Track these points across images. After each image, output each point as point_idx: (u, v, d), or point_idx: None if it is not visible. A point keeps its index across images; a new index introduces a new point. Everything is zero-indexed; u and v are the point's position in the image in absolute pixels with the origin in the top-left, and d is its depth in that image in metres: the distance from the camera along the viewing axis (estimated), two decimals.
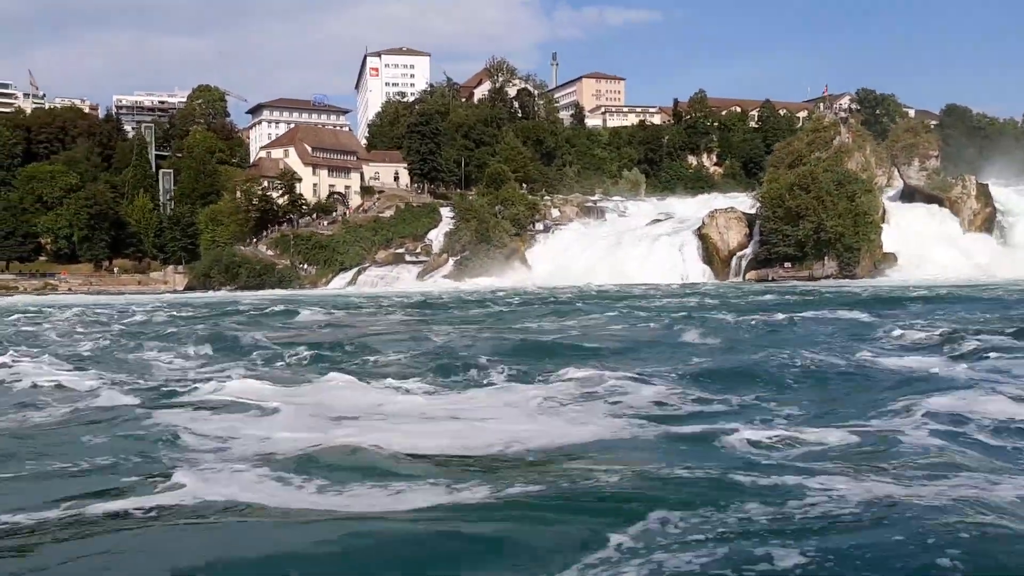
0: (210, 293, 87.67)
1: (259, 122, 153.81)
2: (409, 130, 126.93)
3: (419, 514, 6.09)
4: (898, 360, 14.72)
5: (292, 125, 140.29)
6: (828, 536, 5.32)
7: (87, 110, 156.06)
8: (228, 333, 24.00)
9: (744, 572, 4.86)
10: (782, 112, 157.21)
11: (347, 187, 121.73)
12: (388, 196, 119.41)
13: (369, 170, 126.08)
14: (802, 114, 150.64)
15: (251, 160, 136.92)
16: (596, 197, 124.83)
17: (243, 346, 20.26)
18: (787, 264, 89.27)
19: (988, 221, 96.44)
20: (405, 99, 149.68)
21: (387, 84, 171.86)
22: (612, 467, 7.30)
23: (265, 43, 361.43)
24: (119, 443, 8.91)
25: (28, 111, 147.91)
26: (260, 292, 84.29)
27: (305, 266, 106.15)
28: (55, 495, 6.79)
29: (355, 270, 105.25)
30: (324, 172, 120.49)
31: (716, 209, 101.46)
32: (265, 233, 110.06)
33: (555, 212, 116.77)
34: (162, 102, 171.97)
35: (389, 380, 13.70)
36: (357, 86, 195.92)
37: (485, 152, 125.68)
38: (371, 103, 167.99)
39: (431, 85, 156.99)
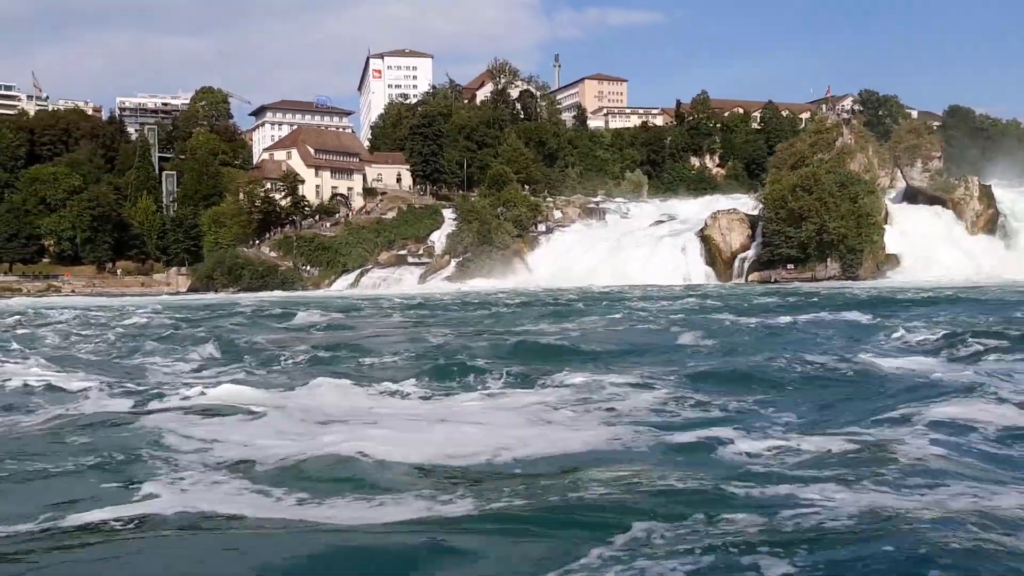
0: (210, 295, 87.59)
1: (262, 124, 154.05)
2: (411, 132, 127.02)
3: (399, 528, 5.98)
4: (899, 364, 14.58)
5: (295, 127, 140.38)
6: (818, 550, 5.20)
7: (90, 112, 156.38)
8: (222, 336, 23.89)
9: None
10: (784, 113, 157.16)
11: (350, 189, 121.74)
12: (390, 198, 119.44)
13: (372, 172, 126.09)
14: (805, 115, 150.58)
15: (254, 162, 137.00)
16: (598, 198, 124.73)
17: (236, 349, 20.16)
18: (790, 266, 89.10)
19: (991, 222, 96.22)
20: (408, 101, 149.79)
21: (390, 86, 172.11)
22: (601, 478, 7.14)
23: (267, 44, 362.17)
24: (101, 450, 8.80)
25: (31, 113, 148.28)
26: (262, 294, 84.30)
27: (308, 268, 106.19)
28: (32, 504, 6.68)
29: (358, 272, 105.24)
30: (327, 174, 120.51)
31: (718, 210, 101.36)
32: (268, 235, 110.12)
33: (557, 213, 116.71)
34: (165, 104, 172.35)
35: (381, 384, 13.55)
36: (360, 88, 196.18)
37: (487, 153, 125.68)
38: (374, 105, 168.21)
39: (433, 87, 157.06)
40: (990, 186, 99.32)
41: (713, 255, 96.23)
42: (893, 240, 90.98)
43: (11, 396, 12.92)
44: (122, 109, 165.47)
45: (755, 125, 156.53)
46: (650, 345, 19.78)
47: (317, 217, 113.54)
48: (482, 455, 8.35)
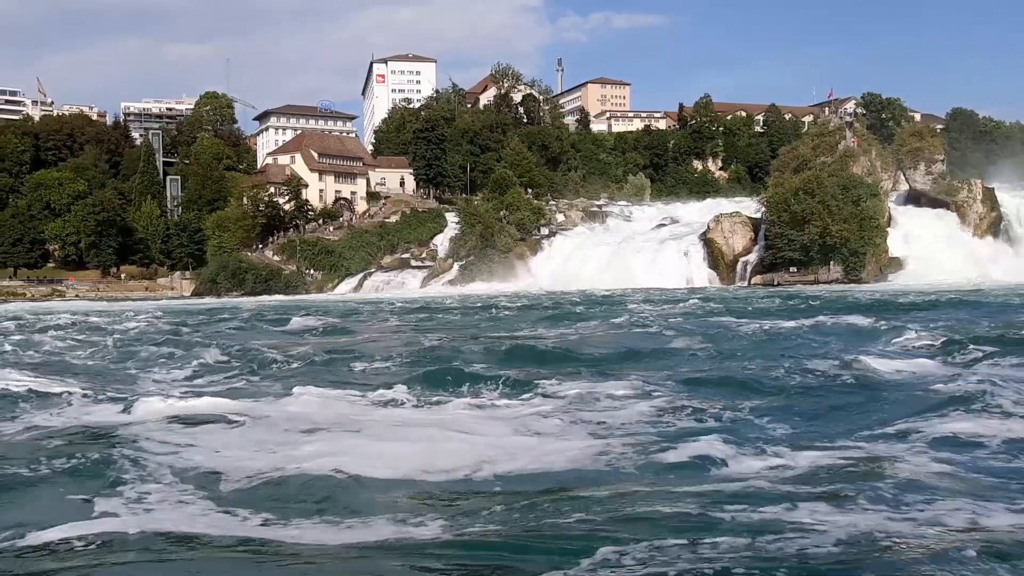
0: (208, 299, 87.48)
1: (266, 128, 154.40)
2: (415, 136, 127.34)
3: (363, 552, 5.74)
4: (899, 372, 14.47)
5: (299, 131, 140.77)
6: None
7: (95, 117, 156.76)
8: (216, 342, 23.64)
9: None
10: (787, 116, 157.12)
11: (353, 193, 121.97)
12: (394, 201, 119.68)
13: (375, 176, 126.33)
14: (807, 118, 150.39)
15: (258, 166, 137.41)
16: (601, 202, 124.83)
17: (228, 355, 19.80)
18: (793, 269, 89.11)
19: (994, 225, 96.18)
20: (411, 105, 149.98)
21: (393, 90, 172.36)
22: (582, 499, 6.85)
23: (271, 49, 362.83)
24: (72, 462, 8.53)
25: (36, 118, 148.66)
26: (264, 298, 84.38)
27: (311, 271, 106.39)
28: None
29: (361, 275, 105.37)
30: (330, 178, 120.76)
31: (721, 214, 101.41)
32: (272, 239, 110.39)
33: (560, 217, 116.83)
34: (170, 109, 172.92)
35: (369, 391, 13.28)
36: (364, 92, 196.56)
37: (490, 157, 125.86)
38: (377, 109, 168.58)
39: (437, 91, 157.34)
40: (993, 189, 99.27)
41: (716, 258, 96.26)
42: (896, 243, 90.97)
43: None
44: (127, 114, 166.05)
45: (758, 128, 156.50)
46: (648, 350, 19.64)
47: (320, 221, 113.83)
48: (462, 470, 8.08)
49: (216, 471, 8.08)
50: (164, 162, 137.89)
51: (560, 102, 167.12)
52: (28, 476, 8.13)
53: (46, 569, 5.57)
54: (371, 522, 6.48)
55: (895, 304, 38.62)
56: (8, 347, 23.15)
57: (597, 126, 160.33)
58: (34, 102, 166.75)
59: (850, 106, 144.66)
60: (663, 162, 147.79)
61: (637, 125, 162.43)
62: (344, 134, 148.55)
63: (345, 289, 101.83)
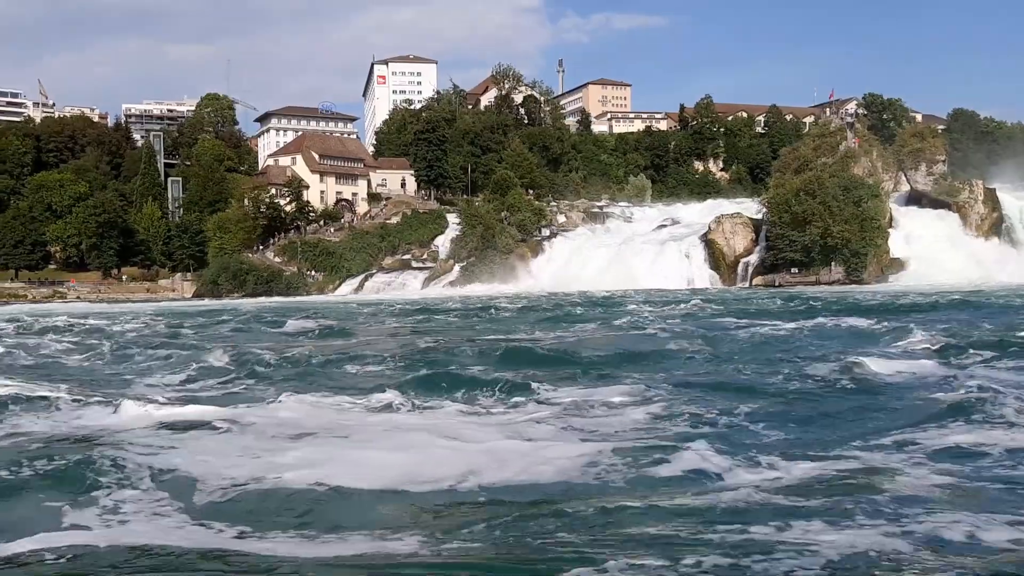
0: (207, 301, 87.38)
1: (267, 130, 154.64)
2: (416, 137, 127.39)
3: (337, 567, 5.61)
4: (898, 377, 14.35)
5: (300, 133, 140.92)
6: None
7: (96, 119, 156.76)
8: (211, 346, 23.43)
9: None
10: (788, 117, 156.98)
11: (354, 194, 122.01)
12: (395, 203, 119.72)
13: (376, 177, 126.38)
14: (808, 119, 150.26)
15: (259, 168, 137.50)
16: (602, 203, 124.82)
17: (221, 359, 19.50)
18: (794, 270, 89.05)
19: (995, 226, 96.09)
20: (412, 106, 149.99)
21: (394, 92, 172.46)
22: (567, 514, 6.66)
23: (272, 50, 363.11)
24: (49, 471, 8.35)
25: (38, 120, 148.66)
26: (265, 299, 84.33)
27: (312, 273, 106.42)
28: None
29: (362, 276, 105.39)
30: (331, 179, 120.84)
31: (722, 215, 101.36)
32: (273, 240, 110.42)
33: (561, 218, 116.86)
34: (171, 110, 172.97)
35: (360, 395, 13.10)
36: (365, 94, 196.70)
37: (491, 158, 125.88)
38: (378, 110, 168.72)
39: (438, 92, 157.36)
40: (995, 189, 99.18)
41: (717, 259, 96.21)
42: (897, 244, 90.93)
43: None
44: (128, 116, 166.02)
45: (759, 129, 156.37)
46: (646, 353, 19.50)
47: (322, 222, 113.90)
48: (447, 480, 7.91)
49: (195, 480, 7.94)
50: (165, 164, 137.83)
51: (561, 103, 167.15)
52: (4, 483, 8.00)
53: None
54: (348, 536, 6.36)
55: (896, 306, 38.48)
56: (2, 349, 23.01)
57: (598, 127, 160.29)
58: (35, 104, 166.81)
59: (851, 107, 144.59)
60: (664, 163, 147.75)
61: (638, 126, 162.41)
62: (345, 135, 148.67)
63: (346, 290, 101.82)
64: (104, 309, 59.56)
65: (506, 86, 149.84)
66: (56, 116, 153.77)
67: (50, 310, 58.91)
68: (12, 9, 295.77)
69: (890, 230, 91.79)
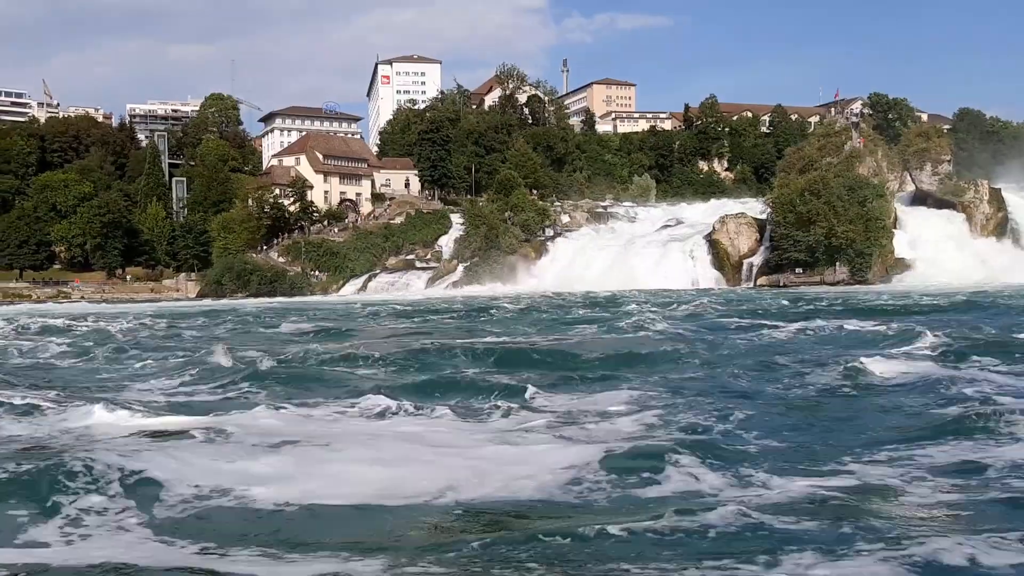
0: (208, 301, 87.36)
1: (271, 130, 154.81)
2: (420, 137, 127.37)
3: None
4: (901, 385, 14.07)
5: (304, 133, 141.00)
6: None
7: (101, 119, 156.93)
8: (207, 347, 22.90)
9: None
10: (793, 117, 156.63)
11: (358, 194, 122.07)
12: (398, 203, 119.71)
13: (380, 177, 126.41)
14: (813, 119, 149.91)
15: (263, 168, 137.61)
16: (606, 203, 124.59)
17: (214, 361, 19.12)
18: (798, 270, 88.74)
19: (1001, 226, 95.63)
20: (416, 106, 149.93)
21: (398, 91, 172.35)
22: (540, 539, 6.36)
23: (276, 50, 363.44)
24: (14, 481, 8.00)
25: (42, 120, 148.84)
26: (269, 299, 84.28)
27: (316, 273, 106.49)
28: None
29: (365, 276, 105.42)
30: (335, 179, 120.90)
31: (727, 215, 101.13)
32: (277, 240, 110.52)
33: (565, 218, 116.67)
34: (175, 110, 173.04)
35: (343, 402, 12.79)
36: (369, 93, 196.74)
37: (495, 158, 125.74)
38: (382, 110, 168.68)
39: (442, 92, 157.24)
40: (1000, 189, 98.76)
41: (721, 259, 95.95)
42: (902, 244, 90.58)
43: None
44: (132, 116, 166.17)
45: (764, 129, 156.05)
46: (645, 357, 19.20)
47: (326, 222, 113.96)
48: (423, 496, 7.65)
49: (164, 492, 7.73)
50: (169, 164, 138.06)
51: (565, 103, 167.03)
52: None
53: None
54: (312, 556, 6.16)
55: (900, 307, 38.27)
56: None
57: (602, 127, 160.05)
58: (40, 104, 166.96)
59: (856, 106, 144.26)
60: (668, 163, 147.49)
61: (642, 126, 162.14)
62: (349, 135, 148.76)
63: (350, 290, 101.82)
64: (104, 309, 59.45)
65: (510, 86, 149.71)
66: (60, 116, 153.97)
67: (49, 310, 58.77)
68: (12, 9, 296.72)
69: (895, 230, 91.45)
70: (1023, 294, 47.33)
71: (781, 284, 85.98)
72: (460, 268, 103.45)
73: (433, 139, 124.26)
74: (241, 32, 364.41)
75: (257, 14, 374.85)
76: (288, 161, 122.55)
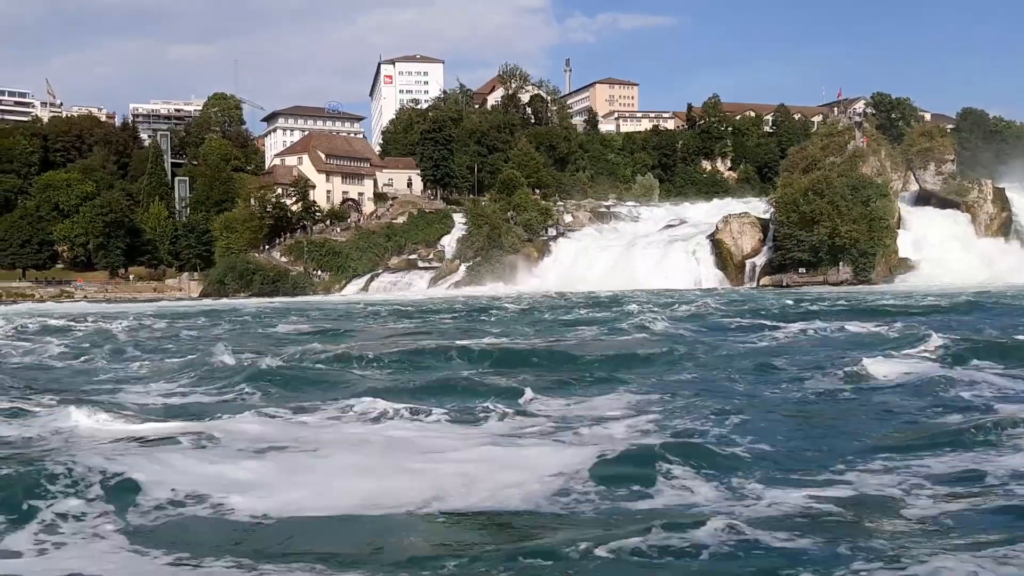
0: (209, 300, 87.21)
1: (274, 130, 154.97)
2: (422, 137, 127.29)
3: None
4: (902, 388, 13.84)
5: (306, 132, 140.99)
6: None
7: (103, 118, 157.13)
8: (203, 347, 22.84)
9: None
10: (796, 116, 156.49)
11: (360, 194, 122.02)
12: (401, 202, 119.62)
13: (382, 176, 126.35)
14: (817, 118, 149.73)
15: (266, 167, 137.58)
16: (609, 202, 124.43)
17: (210, 362, 18.87)
18: (801, 270, 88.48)
19: (1005, 226, 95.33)
20: (419, 106, 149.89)
21: (401, 91, 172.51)
22: (521, 557, 6.16)
23: (279, 50, 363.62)
24: None
25: (45, 119, 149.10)
26: (271, 299, 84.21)
27: (319, 273, 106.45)
28: None
29: (368, 276, 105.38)
30: (338, 179, 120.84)
31: (730, 214, 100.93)
32: (279, 240, 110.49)
33: (568, 218, 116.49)
34: (178, 110, 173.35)
35: (334, 406, 12.61)
36: (371, 93, 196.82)
37: (498, 158, 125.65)
38: (385, 110, 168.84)
39: (445, 92, 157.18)
40: (1004, 189, 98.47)
41: (724, 259, 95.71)
42: (906, 244, 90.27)
43: None
44: (135, 115, 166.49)
45: (767, 128, 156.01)
46: (644, 358, 18.93)
47: (328, 222, 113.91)
48: (408, 506, 7.47)
49: (142, 498, 7.56)
50: (172, 163, 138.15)
51: (568, 102, 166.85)
52: None
53: None
54: (286, 568, 6.00)
55: (904, 307, 37.96)
56: None
57: (605, 126, 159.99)
58: (43, 103, 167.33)
59: (859, 106, 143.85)
60: (671, 162, 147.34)
61: (645, 125, 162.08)
62: (351, 135, 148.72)
63: (352, 290, 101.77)
64: (105, 309, 59.30)
65: (513, 86, 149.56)
66: (63, 116, 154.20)
67: (50, 310, 58.62)
68: (12, 9, 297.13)
69: (899, 230, 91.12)
70: None
71: (784, 284, 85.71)
72: (462, 268, 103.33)
73: (436, 138, 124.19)
74: (241, 32, 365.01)
75: (257, 14, 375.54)
76: (291, 161, 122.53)
